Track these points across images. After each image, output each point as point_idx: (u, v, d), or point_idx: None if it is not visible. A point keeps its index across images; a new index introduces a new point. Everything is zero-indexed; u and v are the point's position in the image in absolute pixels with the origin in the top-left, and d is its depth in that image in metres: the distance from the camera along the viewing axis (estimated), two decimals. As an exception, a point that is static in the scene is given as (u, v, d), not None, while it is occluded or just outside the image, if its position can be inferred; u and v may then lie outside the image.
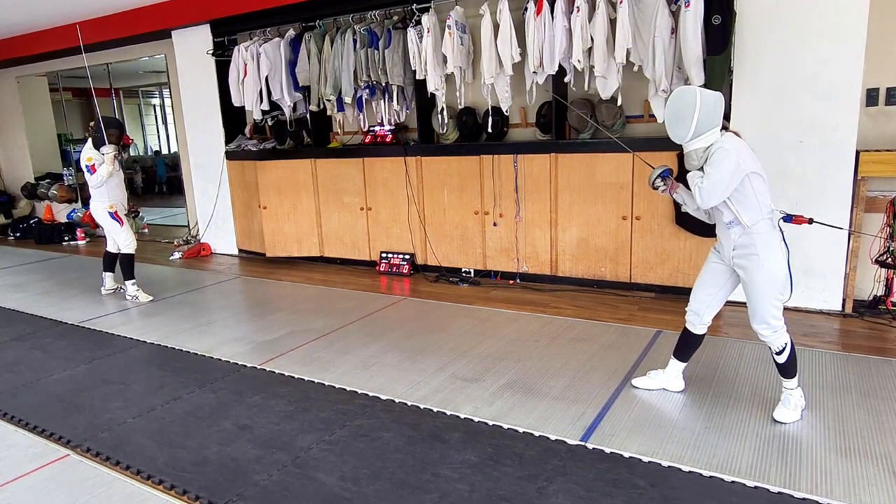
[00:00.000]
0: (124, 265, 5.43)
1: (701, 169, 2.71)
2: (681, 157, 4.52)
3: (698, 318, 3.03)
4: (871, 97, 4.14)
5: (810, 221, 2.82)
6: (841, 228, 3.49)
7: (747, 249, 2.74)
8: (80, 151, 5.39)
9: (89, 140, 5.23)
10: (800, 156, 4.17)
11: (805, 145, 4.15)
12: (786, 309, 2.87)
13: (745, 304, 2.88)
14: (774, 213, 2.76)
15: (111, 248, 5.52)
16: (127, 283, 5.46)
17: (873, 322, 4.08)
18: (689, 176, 2.75)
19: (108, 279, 5.68)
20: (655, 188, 3.01)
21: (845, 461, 2.52)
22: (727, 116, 4.40)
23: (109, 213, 5.30)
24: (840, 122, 4.03)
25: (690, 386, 3.23)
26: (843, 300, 4.24)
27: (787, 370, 2.84)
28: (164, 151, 14.51)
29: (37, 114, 9.76)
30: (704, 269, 3.03)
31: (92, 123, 5.30)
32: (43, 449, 2.94)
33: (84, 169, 5.23)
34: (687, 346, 3.13)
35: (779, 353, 2.80)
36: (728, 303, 4.24)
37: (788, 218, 2.79)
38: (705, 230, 4.45)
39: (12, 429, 3.16)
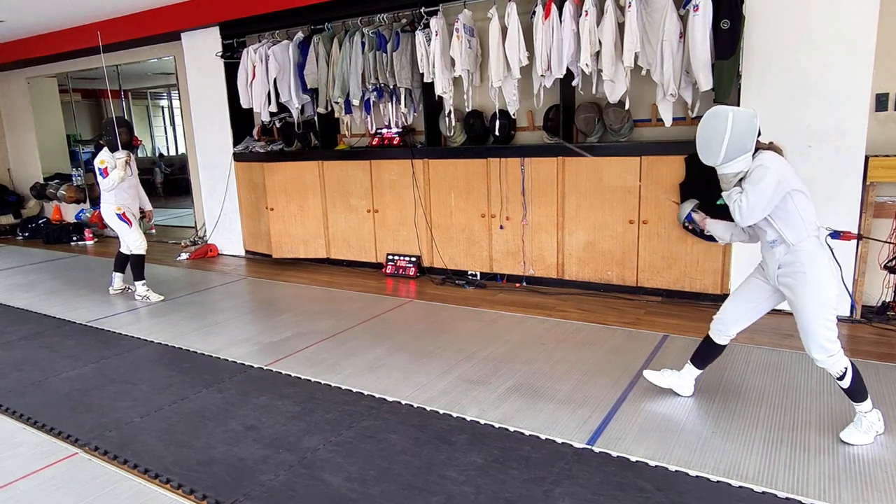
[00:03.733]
0: (134, 266, 5.45)
1: (739, 184, 2.63)
2: (688, 161, 4.55)
3: (724, 328, 2.95)
4: (881, 102, 4.12)
5: (859, 237, 2.73)
6: (892, 243, 3.40)
7: (793, 267, 2.64)
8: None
9: (105, 145, 5.27)
10: (808, 161, 4.16)
11: (814, 150, 4.14)
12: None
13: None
14: (820, 230, 2.67)
15: (124, 249, 5.54)
16: (136, 283, 5.47)
17: (882, 328, 4.06)
18: (725, 195, 2.66)
19: (118, 279, 5.71)
20: (686, 228, 2.97)
21: (854, 467, 2.51)
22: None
23: (117, 214, 5.34)
24: (849, 127, 4.02)
25: (698, 390, 3.22)
26: (852, 306, 4.21)
27: (855, 394, 2.66)
28: (171, 153, 14.57)
29: (46, 114, 9.83)
30: (745, 283, 2.93)
31: (99, 136, 5.37)
32: (51, 447, 2.95)
33: (97, 172, 5.27)
34: (706, 354, 3.07)
35: (840, 379, 2.63)
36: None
37: (836, 234, 2.72)
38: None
39: (20, 427, 3.18)
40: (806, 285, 2.62)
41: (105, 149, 5.27)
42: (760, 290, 2.86)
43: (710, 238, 3.08)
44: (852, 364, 2.65)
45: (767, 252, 2.76)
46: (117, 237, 5.53)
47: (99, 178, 5.26)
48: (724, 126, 2.54)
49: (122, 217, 5.35)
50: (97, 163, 5.26)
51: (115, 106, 10.40)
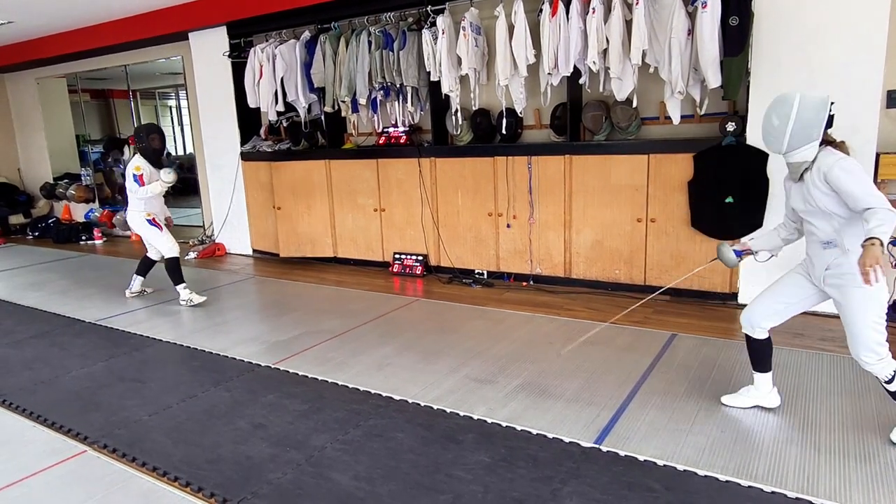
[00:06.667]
0: (171, 271, 5.28)
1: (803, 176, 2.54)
2: (697, 159, 4.52)
3: (755, 322, 2.84)
4: (892, 99, 4.08)
5: None
6: None
7: (842, 269, 2.52)
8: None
9: (139, 152, 5.17)
10: (818, 158, 4.12)
11: (824, 147, 4.10)
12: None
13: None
14: None
15: (152, 254, 5.46)
16: (178, 287, 5.29)
17: (893, 326, 4.01)
18: (871, 215, 2.30)
19: (137, 282, 5.60)
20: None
21: (864, 467, 2.49)
22: (744, 119, 4.37)
23: (147, 220, 5.22)
24: (860, 125, 3.97)
25: (706, 389, 3.20)
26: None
27: None
28: (180, 152, 14.62)
29: (56, 115, 9.89)
30: (784, 279, 2.81)
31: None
32: (61, 445, 2.97)
33: (130, 177, 5.12)
34: (758, 355, 2.91)
35: (889, 382, 2.55)
36: (743, 306, 4.21)
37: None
38: (722, 233, 4.42)
39: (30, 425, 3.20)
40: (857, 287, 2.45)
41: (138, 155, 5.15)
42: (800, 288, 2.75)
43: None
44: None
45: (817, 252, 2.63)
46: (142, 241, 5.41)
47: (131, 184, 5.12)
48: (789, 113, 2.44)
49: (153, 222, 5.23)
50: (132, 169, 5.11)
51: (124, 106, 10.46)
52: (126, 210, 5.42)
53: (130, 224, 5.36)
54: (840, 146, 2.54)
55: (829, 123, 2.47)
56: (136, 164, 5.12)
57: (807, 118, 2.43)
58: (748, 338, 2.92)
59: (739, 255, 2.92)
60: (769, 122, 2.52)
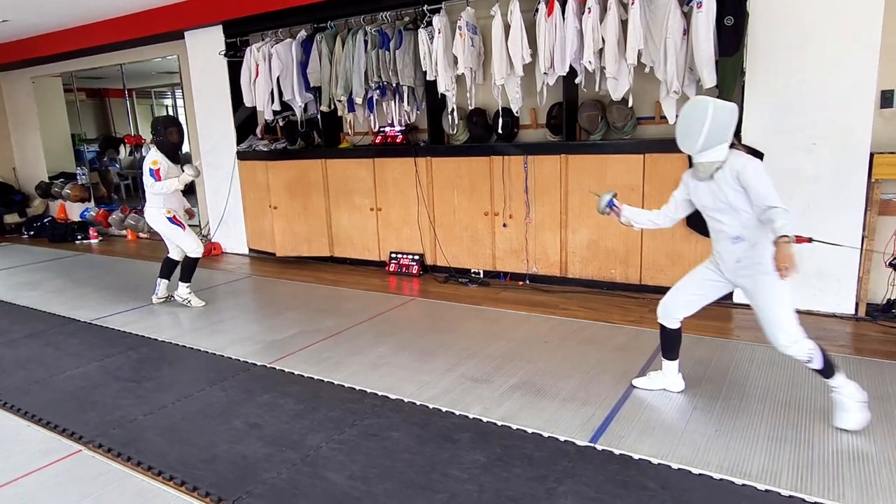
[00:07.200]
0: (186, 268, 5.17)
1: (713, 174, 2.73)
2: (692, 159, 4.52)
3: (671, 313, 3.08)
4: (886, 99, 4.09)
5: (810, 240, 2.85)
6: (841, 245, 3.52)
7: (752, 260, 2.75)
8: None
9: (155, 145, 5.00)
10: (813, 158, 4.14)
11: (819, 148, 4.12)
12: (797, 312, 2.84)
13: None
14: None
15: (173, 255, 5.23)
16: (181, 284, 5.19)
17: (887, 326, 4.04)
18: (775, 215, 2.51)
19: (163, 287, 5.33)
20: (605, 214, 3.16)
21: (858, 465, 2.50)
22: (739, 119, 4.38)
23: (168, 217, 5.03)
24: (854, 125, 4.00)
25: (701, 388, 3.22)
26: (857, 304, 4.20)
27: (826, 371, 2.72)
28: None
29: (51, 114, 9.84)
30: (694, 273, 3.07)
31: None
32: (55, 444, 2.97)
33: (147, 172, 4.90)
34: (669, 343, 3.16)
35: (809, 362, 2.69)
36: (740, 305, 4.23)
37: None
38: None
39: (25, 424, 3.20)
40: (766, 275, 2.69)
41: (154, 149, 4.97)
42: (710, 282, 2.99)
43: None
44: (815, 344, 2.70)
45: (726, 248, 2.83)
46: (162, 240, 5.27)
47: (148, 179, 4.90)
48: (705, 115, 2.62)
49: (174, 220, 5.04)
50: (149, 163, 4.90)
51: (120, 105, 10.43)
52: (143, 206, 5.21)
53: (149, 221, 5.14)
54: (742, 148, 2.75)
55: (739, 118, 2.68)
56: (152, 158, 4.91)
57: (721, 121, 2.62)
58: (662, 327, 3.15)
59: (612, 205, 3.09)
60: (686, 123, 2.69)
